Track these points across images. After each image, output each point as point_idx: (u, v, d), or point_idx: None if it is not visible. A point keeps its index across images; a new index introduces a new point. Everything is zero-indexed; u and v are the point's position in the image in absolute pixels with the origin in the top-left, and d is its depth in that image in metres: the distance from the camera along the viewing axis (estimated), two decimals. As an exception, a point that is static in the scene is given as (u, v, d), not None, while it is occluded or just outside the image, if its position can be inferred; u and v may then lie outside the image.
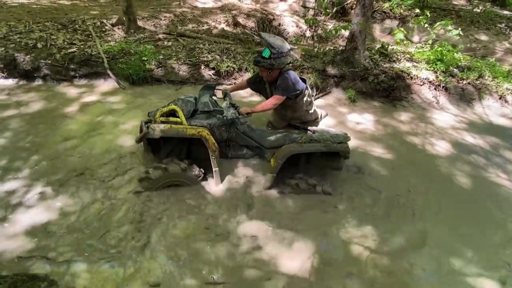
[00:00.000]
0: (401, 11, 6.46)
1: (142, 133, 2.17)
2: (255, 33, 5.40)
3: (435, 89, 3.83)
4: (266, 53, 2.36)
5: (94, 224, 1.89)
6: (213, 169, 2.19)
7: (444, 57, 3.97)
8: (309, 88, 2.66)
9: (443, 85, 3.81)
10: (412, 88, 3.82)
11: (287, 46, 2.43)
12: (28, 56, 3.65)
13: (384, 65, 3.92)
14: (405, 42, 4.65)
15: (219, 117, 2.27)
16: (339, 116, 3.36)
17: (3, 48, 3.66)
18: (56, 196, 2.07)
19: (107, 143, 2.62)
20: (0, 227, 1.84)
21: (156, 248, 1.76)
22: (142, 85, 3.71)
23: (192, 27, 5.06)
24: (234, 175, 2.32)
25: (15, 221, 1.88)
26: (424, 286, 1.68)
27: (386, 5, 6.56)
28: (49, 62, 3.68)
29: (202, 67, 3.86)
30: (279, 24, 5.93)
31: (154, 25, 4.96)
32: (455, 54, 4.09)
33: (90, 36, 4.19)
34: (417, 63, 4.03)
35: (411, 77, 3.83)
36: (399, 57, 4.11)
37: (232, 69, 3.82)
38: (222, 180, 2.25)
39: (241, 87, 2.94)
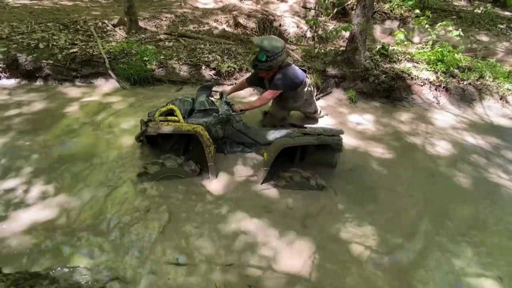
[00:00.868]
0: (402, 12, 6.47)
1: (141, 131, 2.31)
2: (256, 33, 5.42)
3: (435, 89, 3.83)
4: (263, 57, 2.42)
5: (94, 221, 1.90)
6: (208, 164, 2.24)
7: (445, 58, 3.97)
8: (309, 78, 2.70)
9: (444, 85, 3.81)
10: (413, 88, 3.82)
11: (281, 43, 2.46)
12: (30, 56, 3.67)
13: (385, 66, 3.92)
14: (405, 42, 4.66)
15: (214, 115, 2.36)
16: (339, 117, 3.36)
17: (6, 49, 3.68)
18: (57, 194, 2.09)
19: (108, 142, 2.64)
20: (2, 225, 1.85)
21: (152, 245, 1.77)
22: (143, 85, 3.72)
23: (193, 27, 5.08)
24: (230, 170, 2.36)
25: (16, 219, 1.89)
26: (426, 285, 1.68)
27: (387, 6, 6.57)
28: (51, 62, 3.70)
29: (203, 67, 3.88)
30: (280, 25, 5.95)
31: (155, 25, 4.98)
32: (455, 54, 4.09)
33: (92, 36, 4.22)
34: (417, 63, 4.04)
35: (412, 78, 3.84)
36: (399, 57, 4.12)
37: (233, 69, 3.83)
38: (217, 175, 2.29)
39: (240, 88, 2.97)
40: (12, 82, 3.67)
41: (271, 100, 2.72)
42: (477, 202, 2.29)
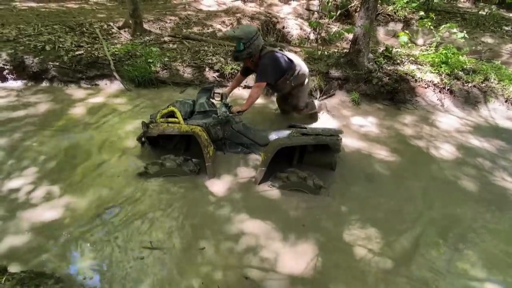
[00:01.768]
0: (405, 13, 6.46)
1: (142, 132, 2.38)
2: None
3: (440, 91, 3.81)
4: (240, 46, 2.47)
5: (99, 220, 1.92)
6: (206, 164, 2.27)
7: (449, 60, 3.95)
8: (296, 68, 2.69)
9: (448, 88, 3.79)
10: (417, 90, 3.81)
11: (253, 28, 2.53)
12: (37, 58, 3.72)
13: (388, 68, 3.92)
14: (409, 44, 4.64)
15: (214, 117, 2.42)
16: (343, 119, 3.36)
17: (13, 51, 3.74)
18: (62, 194, 2.11)
19: (112, 143, 2.67)
20: (8, 224, 1.87)
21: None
22: (147, 87, 3.76)
23: (197, 30, 5.12)
24: (228, 170, 2.38)
25: (22, 218, 1.91)
26: (429, 289, 1.67)
27: (390, 8, 6.56)
28: (57, 64, 3.75)
29: (207, 69, 3.90)
30: (283, 27, 5.97)
31: (159, 28, 5.03)
32: (460, 57, 4.07)
33: (97, 38, 4.27)
34: (421, 65, 4.02)
35: (416, 80, 3.82)
36: (403, 59, 4.11)
37: (236, 71, 3.85)
38: (215, 174, 2.32)
39: (238, 82, 3.02)
40: (19, 83, 3.72)
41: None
42: (481, 207, 2.27)
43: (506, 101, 3.78)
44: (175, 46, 4.33)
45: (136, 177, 2.27)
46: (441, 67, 3.92)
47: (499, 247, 1.95)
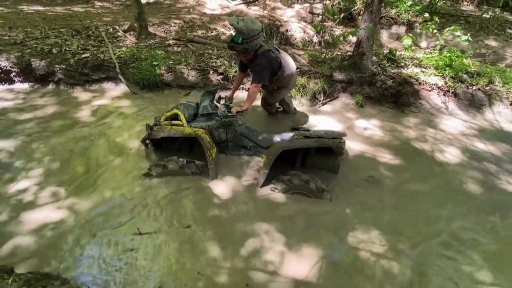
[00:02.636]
0: (409, 17, 6.46)
1: (146, 134, 2.43)
2: (263, 38, 5.46)
3: (444, 94, 3.80)
4: (238, 38, 2.44)
5: (104, 221, 1.93)
6: (208, 166, 2.29)
7: (453, 63, 3.94)
8: (285, 73, 2.75)
9: (452, 90, 3.78)
10: (421, 93, 3.80)
11: (257, 26, 2.47)
12: (44, 61, 3.78)
13: (392, 71, 3.91)
14: (413, 47, 4.64)
15: (217, 119, 2.45)
16: (347, 121, 3.36)
17: (20, 53, 3.80)
18: (68, 195, 2.13)
19: (116, 145, 2.70)
20: (14, 225, 1.89)
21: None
22: (152, 89, 3.79)
23: (201, 33, 5.16)
24: (231, 172, 2.39)
25: (28, 220, 1.93)
26: (434, 293, 1.66)
27: (394, 11, 6.57)
28: (63, 67, 3.80)
29: (211, 72, 3.93)
30: (287, 30, 6.00)
31: (164, 31, 5.08)
32: (464, 60, 4.06)
33: (103, 42, 4.32)
34: (425, 68, 4.01)
35: (420, 83, 3.81)
36: (407, 62, 4.10)
37: (240, 74, 3.87)
38: (217, 176, 2.33)
39: (239, 81, 3.06)
40: (25, 86, 3.77)
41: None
42: (487, 211, 2.25)
43: (511, 104, 3.75)
44: (179, 49, 4.37)
45: (139, 178, 2.29)
46: (445, 70, 3.91)
47: (505, 252, 1.93)
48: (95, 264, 1.68)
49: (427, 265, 1.79)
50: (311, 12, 6.84)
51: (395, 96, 3.73)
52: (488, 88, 3.85)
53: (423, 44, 6.13)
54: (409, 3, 6.33)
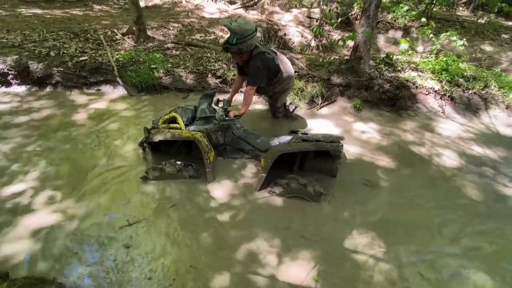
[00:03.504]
0: (405, 21, 6.54)
1: (143, 137, 2.42)
2: (262, 42, 5.50)
3: (440, 98, 3.83)
4: (233, 39, 2.42)
5: (100, 225, 1.91)
6: (206, 169, 2.28)
7: (449, 67, 3.99)
8: (283, 75, 2.75)
9: (449, 94, 3.81)
10: (418, 97, 3.83)
11: (251, 26, 2.44)
12: (41, 64, 3.77)
13: (389, 75, 3.95)
14: (409, 52, 4.68)
15: (215, 122, 2.45)
16: (344, 125, 3.37)
17: (18, 56, 3.78)
18: (63, 199, 2.11)
19: (114, 148, 2.68)
20: (9, 229, 1.87)
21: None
22: (150, 92, 3.79)
23: (200, 36, 5.18)
24: (229, 176, 2.39)
25: (23, 224, 1.91)
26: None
27: (390, 16, 6.65)
28: (61, 69, 3.79)
29: (209, 75, 3.94)
30: (285, 34, 6.04)
31: (163, 34, 5.09)
32: (460, 64, 4.11)
33: (101, 45, 4.32)
34: (422, 72, 4.05)
35: (416, 87, 3.85)
36: (404, 66, 4.14)
37: (238, 77, 3.88)
38: (215, 180, 2.32)
39: (239, 84, 3.05)
40: (23, 88, 3.75)
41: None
42: (485, 214, 2.26)
43: (506, 108, 3.79)
44: (178, 52, 4.38)
45: (136, 182, 2.28)
46: (441, 74, 3.95)
47: (503, 258, 1.93)
48: (90, 269, 1.66)
49: (427, 271, 1.79)
50: (309, 17, 6.90)
51: (392, 99, 3.76)
52: (484, 92, 3.89)
53: (420, 48, 6.20)
54: (406, 8, 6.42)
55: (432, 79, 3.92)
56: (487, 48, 5.96)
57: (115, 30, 4.83)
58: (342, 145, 2.33)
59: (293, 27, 6.25)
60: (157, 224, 1.96)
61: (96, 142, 2.76)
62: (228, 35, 2.49)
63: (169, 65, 3.97)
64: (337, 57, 4.55)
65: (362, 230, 2.02)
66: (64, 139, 2.78)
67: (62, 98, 3.63)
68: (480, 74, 4.09)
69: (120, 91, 3.80)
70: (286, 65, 2.80)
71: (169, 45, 4.58)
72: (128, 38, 4.69)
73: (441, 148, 3.06)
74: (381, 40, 6.59)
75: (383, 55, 4.51)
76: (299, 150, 2.26)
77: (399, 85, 3.80)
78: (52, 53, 3.93)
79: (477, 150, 3.09)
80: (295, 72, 3.96)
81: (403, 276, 1.74)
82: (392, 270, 1.76)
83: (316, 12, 6.81)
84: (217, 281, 1.64)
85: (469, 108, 3.83)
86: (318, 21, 6.57)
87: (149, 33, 4.83)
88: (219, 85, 3.90)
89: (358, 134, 3.21)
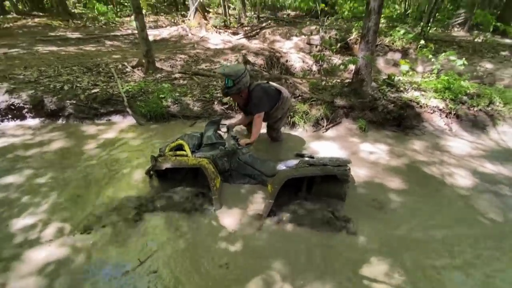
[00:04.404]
0: (403, 44, 6.75)
1: (151, 165, 2.44)
2: (264, 69, 5.70)
3: (446, 116, 3.83)
4: (229, 83, 2.66)
5: (108, 258, 1.87)
6: (212, 197, 2.26)
7: (452, 86, 4.03)
8: (284, 95, 2.98)
9: (454, 112, 3.82)
10: (423, 116, 3.84)
11: (241, 67, 2.72)
12: (55, 97, 3.94)
13: (392, 95, 4.00)
14: (410, 73, 4.78)
15: (221, 149, 2.46)
16: (351, 146, 3.36)
17: (33, 91, 3.97)
18: (72, 233, 2.08)
19: (122, 176, 2.70)
20: (16, 263, 1.84)
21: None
22: (158, 121, 3.88)
23: (205, 66, 5.41)
24: (235, 202, 2.35)
25: (32, 258, 1.88)
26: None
27: (388, 39, 6.89)
28: (74, 102, 3.95)
29: (215, 102, 4.05)
30: (287, 61, 6.27)
31: (170, 65, 5.34)
32: (462, 82, 4.15)
33: (112, 77, 4.53)
34: (425, 92, 4.10)
35: (421, 106, 3.87)
36: (406, 87, 4.21)
37: (243, 103, 3.98)
38: (221, 207, 2.29)
39: (243, 121, 3.19)
40: (36, 121, 3.89)
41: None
42: (505, 235, 2.15)
43: (515, 124, 3.76)
44: (185, 82, 4.55)
45: (143, 210, 2.24)
46: (444, 92, 3.99)
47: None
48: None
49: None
50: (309, 43, 7.20)
51: (397, 119, 3.77)
52: (489, 108, 3.89)
53: (419, 68, 6.33)
54: (402, 31, 6.67)
55: (436, 98, 3.95)
56: (487, 65, 6.05)
57: (125, 63, 5.09)
58: (349, 169, 2.29)
59: (294, 53, 6.50)
60: (166, 256, 1.91)
61: (105, 172, 2.78)
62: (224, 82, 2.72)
63: (177, 94, 4.11)
64: (339, 81, 4.66)
65: (377, 257, 1.92)
66: (74, 170, 2.82)
67: (73, 129, 3.73)
68: (483, 91, 4.12)
69: (129, 120, 3.91)
70: (281, 88, 3.03)
71: (177, 75, 4.78)
72: (138, 70, 4.92)
73: (453, 167, 3.00)
74: (380, 62, 6.77)
75: (384, 77, 4.60)
76: (305, 175, 2.23)
77: (403, 105, 3.84)
78: (65, 87, 4.12)
79: (490, 167, 3.02)
80: (299, 96, 4.06)
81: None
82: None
83: (315, 39, 7.11)
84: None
85: (476, 125, 3.80)
86: (318, 47, 6.84)
87: (157, 64, 5.07)
88: (225, 111, 3.99)
89: (366, 155, 3.18)
